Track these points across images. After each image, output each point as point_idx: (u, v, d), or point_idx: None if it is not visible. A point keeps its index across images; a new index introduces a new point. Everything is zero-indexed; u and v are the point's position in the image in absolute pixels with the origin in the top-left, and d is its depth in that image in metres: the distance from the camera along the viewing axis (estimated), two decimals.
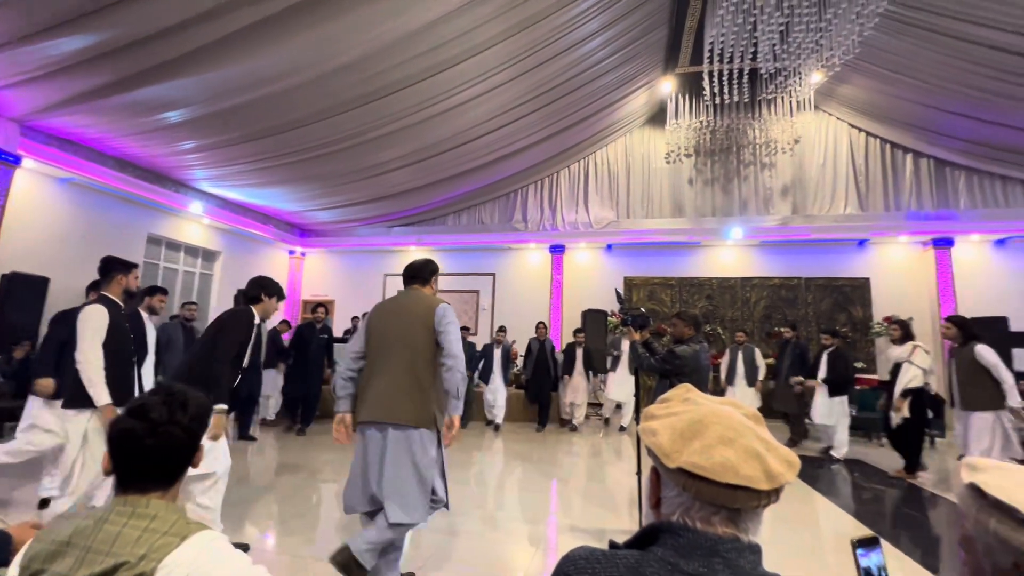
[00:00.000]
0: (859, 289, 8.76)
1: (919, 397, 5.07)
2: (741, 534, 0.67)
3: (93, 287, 3.91)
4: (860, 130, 8.99)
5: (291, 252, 10.89)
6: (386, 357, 2.31)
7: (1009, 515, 0.56)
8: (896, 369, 5.25)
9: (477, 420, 7.61)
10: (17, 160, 5.69)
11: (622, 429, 7.46)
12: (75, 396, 2.68)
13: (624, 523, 3.54)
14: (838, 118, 9.09)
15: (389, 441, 2.22)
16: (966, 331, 4.68)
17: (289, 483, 4.34)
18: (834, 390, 5.88)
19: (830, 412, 5.90)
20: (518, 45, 5.92)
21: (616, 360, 7.35)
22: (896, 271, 8.78)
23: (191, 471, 2.74)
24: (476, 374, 7.52)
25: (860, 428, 7.18)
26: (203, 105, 5.48)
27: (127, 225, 7.29)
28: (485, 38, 5.55)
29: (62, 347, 3.29)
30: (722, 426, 0.68)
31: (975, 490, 0.60)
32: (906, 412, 5.03)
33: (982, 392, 4.46)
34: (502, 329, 7.83)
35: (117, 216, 7.14)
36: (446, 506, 2.41)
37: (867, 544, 0.74)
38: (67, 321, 3.25)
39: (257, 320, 2.98)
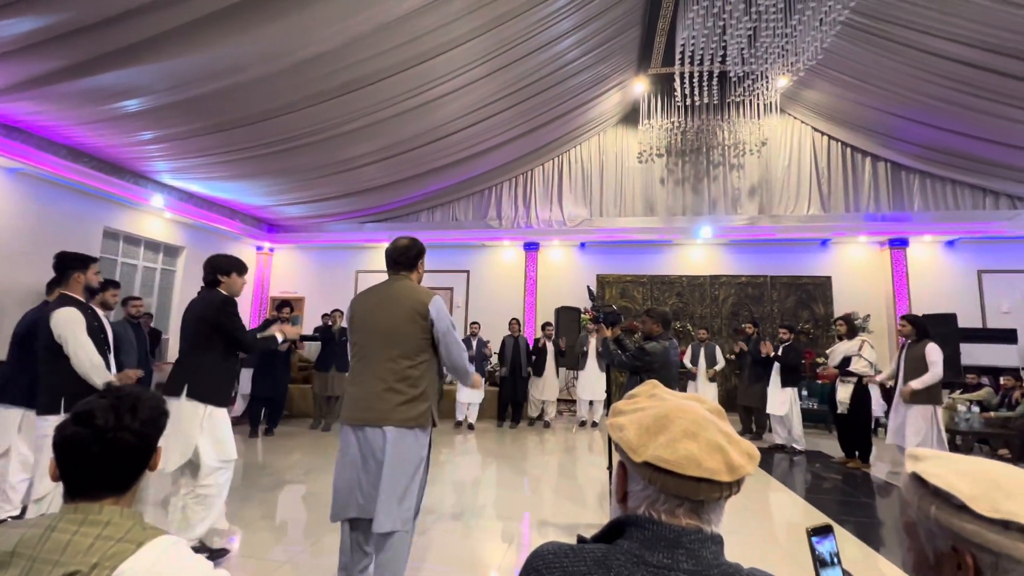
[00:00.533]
0: (821, 287, 9.11)
1: (865, 389, 5.32)
2: (704, 525, 0.69)
3: (54, 284, 3.57)
4: (823, 134, 9.32)
5: (259, 248, 10.59)
6: (372, 353, 2.19)
7: (947, 501, 0.59)
8: (845, 363, 5.47)
9: (447, 418, 7.56)
10: None
11: (594, 425, 7.57)
12: (50, 403, 2.62)
13: (596, 517, 3.59)
14: (802, 121, 9.40)
15: (377, 443, 2.10)
16: (920, 329, 4.94)
17: (256, 484, 4.23)
18: (786, 380, 6.19)
19: (780, 402, 6.18)
20: (492, 42, 5.89)
21: (583, 357, 7.45)
22: (856, 270, 9.16)
23: (213, 462, 2.61)
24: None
25: (821, 420, 7.48)
26: (164, 94, 5.25)
27: (81, 218, 6.95)
28: (459, 34, 5.51)
29: (30, 353, 3.08)
30: (686, 420, 0.70)
31: (917, 479, 0.64)
32: (844, 409, 5.24)
33: (924, 388, 4.70)
34: (476, 323, 7.82)
35: (70, 209, 6.79)
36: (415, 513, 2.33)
37: (821, 532, 0.77)
38: (36, 326, 3.10)
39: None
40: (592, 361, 7.44)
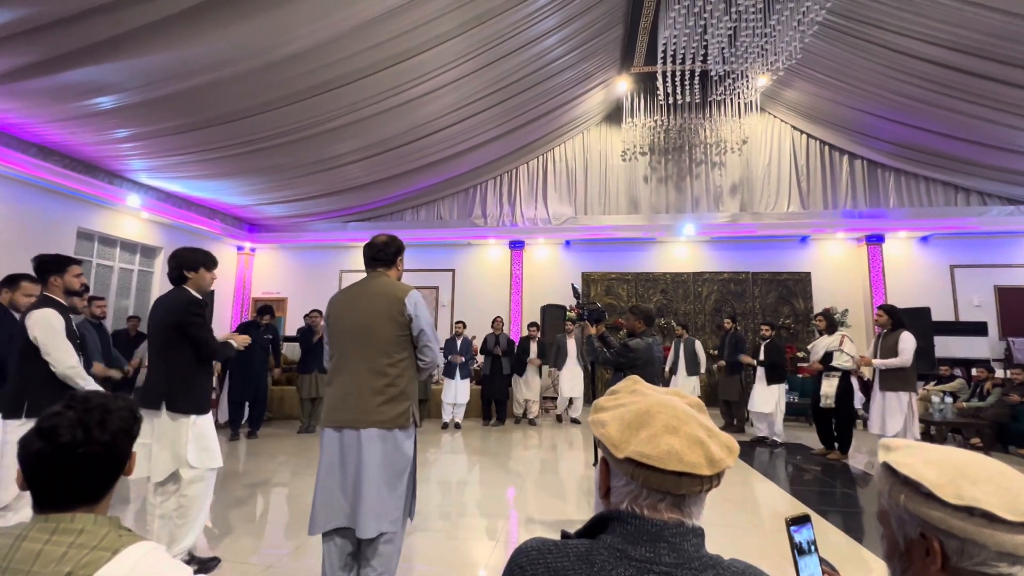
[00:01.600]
0: (801, 283, 9.29)
1: (848, 383, 5.46)
2: (686, 519, 0.70)
3: (6, 283, 3.33)
4: (801, 132, 9.49)
5: (240, 248, 10.41)
6: (350, 353, 2.11)
7: (916, 489, 0.61)
8: (827, 358, 5.62)
9: (433, 418, 7.53)
10: None
11: (576, 422, 7.61)
12: (12, 407, 2.53)
13: (581, 514, 3.61)
14: (782, 120, 9.56)
15: (359, 445, 2.02)
16: (895, 319, 5.09)
17: (239, 488, 4.16)
18: (771, 378, 6.30)
19: (768, 400, 6.29)
20: (475, 39, 5.87)
21: (562, 355, 7.51)
22: (834, 266, 9.36)
23: (198, 470, 2.53)
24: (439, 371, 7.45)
25: (801, 414, 7.63)
26: (139, 91, 5.13)
27: (54, 219, 6.75)
28: (441, 31, 5.48)
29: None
30: (667, 415, 0.70)
31: (888, 468, 0.65)
32: (830, 402, 5.38)
33: (899, 375, 4.88)
34: (461, 322, 7.80)
35: (42, 209, 6.59)
36: (411, 516, 2.21)
37: (799, 521, 0.79)
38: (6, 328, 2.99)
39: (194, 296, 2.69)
40: (572, 358, 7.55)
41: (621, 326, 6.84)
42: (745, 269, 9.48)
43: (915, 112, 7.35)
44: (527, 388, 7.59)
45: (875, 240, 9.04)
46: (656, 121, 8.71)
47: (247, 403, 6.42)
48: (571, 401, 7.67)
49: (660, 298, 9.52)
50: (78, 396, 0.95)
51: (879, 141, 8.55)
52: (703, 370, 7.34)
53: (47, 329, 2.53)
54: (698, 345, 7.38)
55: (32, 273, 3.08)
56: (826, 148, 9.41)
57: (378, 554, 2.01)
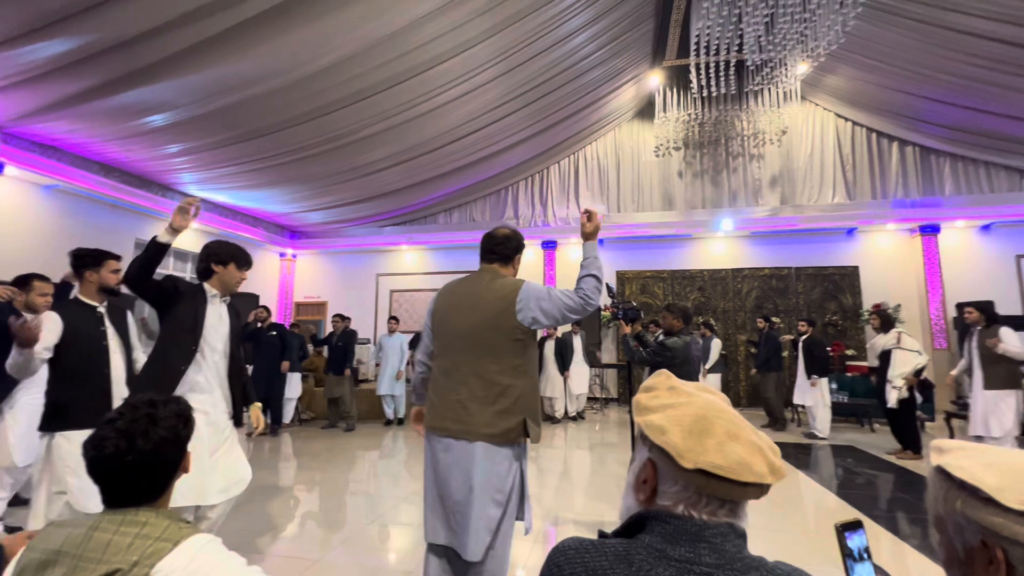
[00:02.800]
0: (848, 277, 8.86)
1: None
2: (738, 522, 0.69)
3: (19, 285, 3.21)
4: (846, 119, 9.07)
5: (282, 254, 10.82)
6: (457, 357, 1.92)
7: (973, 494, 0.58)
8: (884, 356, 5.40)
9: None
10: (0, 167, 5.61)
11: (581, 417, 7.80)
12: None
13: (616, 513, 3.56)
14: (824, 108, 9.16)
15: (462, 460, 1.84)
16: (988, 314, 4.86)
17: (272, 485, 4.33)
18: (811, 371, 6.29)
19: (806, 393, 6.33)
20: (504, 42, 5.90)
21: (569, 354, 7.66)
22: (884, 259, 8.89)
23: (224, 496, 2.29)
24: None
25: (852, 414, 7.29)
26: (187, 108, 5.42)
27: (114, 231, 7.21)
28: (470, 36, 5.53)
29: None
30: (724, 420, 0.70)
31: (942, 472, 0.62)
32: (904, 392, 5.20)
33: (1004, 372, 4.64)
34: None
35: (104, 222, 7.06)
36: (526, 529, 1.98)
37: (851, 527, 0.76)
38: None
39: (213, 293, 2.38)
40: (578, 355, 7.68)
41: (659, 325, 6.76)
42: (787, 264, 9.13)
43: (973, 93, 6.90)
44: (549, 386, 7.64)
45: (930, 230, 8.53)
46: (690, 115, 8.51)
47: (264, 401, 6.68)
48: (577, 397, 7.80)
49: (698, 296, 9.29)
50: (130, 403, 1.01)
51: (933, 126, 8.06)
52: (708, 365, 7.28)
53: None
54: (714, 344, 7.30)
55: (39, 273, 3.15)
56: (873, 135, 8.95)
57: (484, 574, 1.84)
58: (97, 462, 0.94)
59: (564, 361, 7.56)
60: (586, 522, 3.48)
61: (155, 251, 2.14)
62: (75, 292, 2.52)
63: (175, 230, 2.16)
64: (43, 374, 3.13)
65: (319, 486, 4.40)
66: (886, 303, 8.37)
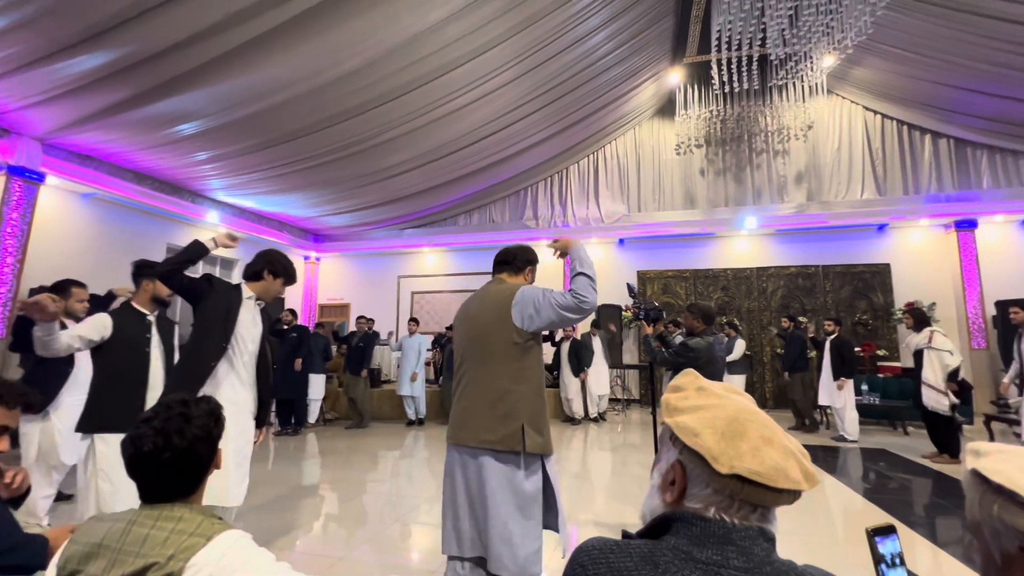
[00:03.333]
0: (879, 275, 8.59)
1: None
2: (768, 526, 0.68)
3: (58, 291, 3.36)
4: (875, 112, 8.80)
5: (306, 257, 11.04)
6: (468, 364, 1.95)
7: (1011, 499, 0.56)
8: (919, 356, 5.23)
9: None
10: (41, 177, 5.87)
11: (602, 418, 7.73)
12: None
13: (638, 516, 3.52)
14: (852, 101, 8.90)
15: (478, 468, 1.83)
16: None
17: (296, 483, 4.41)
18: (838, 371, 6.12)
19: (832, 394, 6.16)
20: (522, 43, 5.91)
21: (589, 355, 7.61)
22: (917, 255, 8.59)
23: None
24: None
25: (884, 416, 7.07)
26: (215, 117, 5.59)
27: (147, 236, 7.47)
28: (488, 38, 5.56)
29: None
30: (757, 424, 0.69)
31: (978, 476, 0.60)
32: (953, 398, 5.04)
33: None
34: None
35: (137, 228, 7.32)
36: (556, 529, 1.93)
37: (883, 532, 0.74)
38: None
39: (248, 296, 2.45)
40: (599, 356, 7.63)
41: (680, 325, 6.67)
42: (814, 262, 8.90)
43: (1010, 81, 6.62)
44: (565, 387, 7.61)
45: (966, 226, 8.21)
46: (712, 111, 8.39)
47: (287, 401, 6.79)
48: (599, 398, 7.75)
49: (721, 295, 9.14)
50: (163, 403, 1.05)
51: (969, 117, 7.76)
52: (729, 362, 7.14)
53: (85, 324, 2.40)
54: (738, 344, 7.13)
55: (78, 280, 3.35)
56: (904, 128, 8.66)
57: None
58: (136, 460, 0.98)
59: (580, 362, 7.52)
60: (608, 523, 3.46)
61: (195, 252, 2.27)
62: (132, 299, 2.65)
63: (216, 244, 2.36)
64: (86, 377, 3.26)
65: (342, 485, 4.47)
66: (919, 301, 8.08)
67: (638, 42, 7.29)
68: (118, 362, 2.46)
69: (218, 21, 4.28)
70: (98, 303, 3.48)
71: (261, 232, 9.18)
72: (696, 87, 8.34)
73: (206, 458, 1.04)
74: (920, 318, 5.43)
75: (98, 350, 2.46)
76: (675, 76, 8.45)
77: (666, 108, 9.52)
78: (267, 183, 7.60)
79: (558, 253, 2.15)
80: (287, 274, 2.56)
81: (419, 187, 8.68)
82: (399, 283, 10.76)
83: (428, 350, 7.56)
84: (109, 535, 0.93)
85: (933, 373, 5.13)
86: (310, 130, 6.21)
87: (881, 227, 8.70)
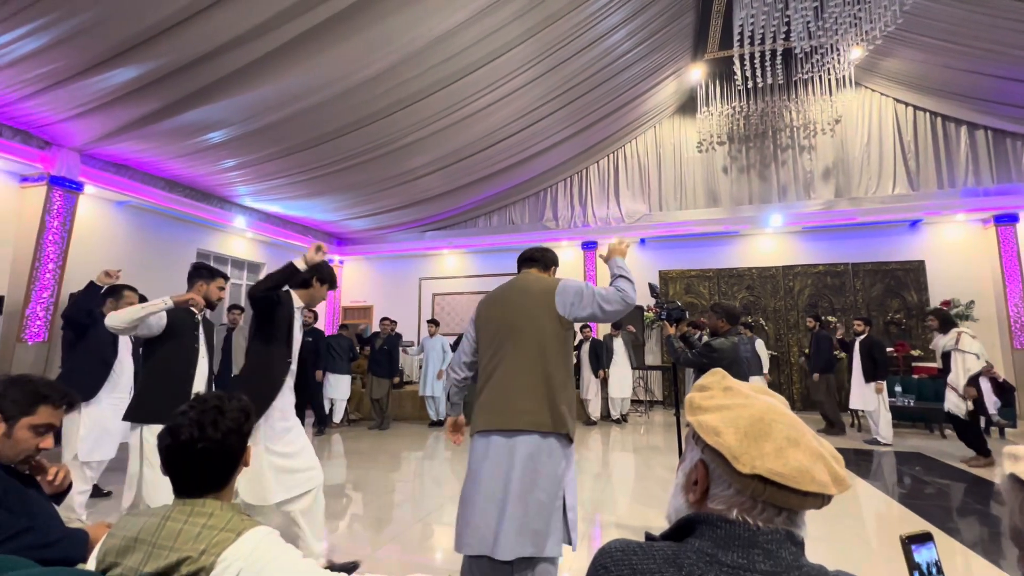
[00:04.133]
0: (913, 272, 8.29)
1: (976, 384, 4.94)
2: (796, 530, 0.67)
3: (110, 295, 3.61)
4: (907, 104, 8.50)
5: (330, 260, 11.24)
6: (499, 353, 1.94)
7: None
8: (946, 358, 5.11)
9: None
10: (80, 187, 6.12)
11: (624, 419, 7.63)
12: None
13: (662, 518, 3.47)
14: (882, 93, 8.63)
15: (510, 451, 1.81)
16: None
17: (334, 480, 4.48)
18: (869, 375, 5.93)
19: (865, 398, 5.97)
20: (541, 44, 5.91)
21: (609, 358, 7.54)
22: (954, 252, 8.26)
23: (287, 495, 2.43)
24: None
25: (920, 419, 6.82)
26: (241, 125, 5.74)
27: (178, 242, 7.72)
28: (507, 39, 5.58)
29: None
30: (784, 424, 0.67)
31: (1016, 481, 0.57)
32: (970, 404, 4.87)
33: None
34: None
35: (169, 234, 7.57)
36: (570, 542, 1.85)
37: (919, 540, 0.71)
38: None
39: (299, 304, 2.61)
40: (620, 358, 7.55)
41: (703, 325, 6.57)
42: (843, 260, 8.64)
43: None
44: (583, 388, 7.55)
45: (1006, 220, 7.85)
46: (734, 108, 8.24)
47: (305, 405, 6.90)
48: (621, 401, 7.68)
49: (746, 295, 8.95)
50: (199, 397, 1.10)
51: (1007, 106, 7.43)
52: (766, 370, 6.92)
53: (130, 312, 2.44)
54: (760, 346, 6.97)
55: (128, 284, 3.57)
56: (938, 120, 8.35)
57: None
58: (172, 450, 1.02)
59: (599, 360, 7.48)
60: (631, 526, 3.42)
61: (288, 273, 2.43)
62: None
63: (307, 262, 2.49)
64: (127, 381, 3.34)
65: (366, 484, 4.53)
66: (956, 299, 7.78)
67: (658, 39, 7.21)
68: (168, 355, 2.62)
69: (243, 33, 4.41)
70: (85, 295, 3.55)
71: (286, 236, 9.39)
72: (718, 83, 8.21)
73: (237, 451, 1.07)
74: (944, 319, 5.24)
75: (150, 343, 2.63)
76: (696, 73, 8.33)
77: (687, 105, 9.39)
78: (291, 188, 7.77)
79: (607, 254, 2.19)
80: (332, 280, 2.70)
81: (440, 189, 8.75)
82: (420, 285, 10.87)
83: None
84: (144, 529, 0.96)
85: (955, 376, 5.00)
86: (332, 135, 6.33)
87: (914, 223, 8.40)
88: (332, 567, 2.50)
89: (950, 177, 8.22)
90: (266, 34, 4.49)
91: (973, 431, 4.97)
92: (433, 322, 7.80)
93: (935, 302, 8.00)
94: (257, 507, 2.40)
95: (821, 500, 0.64)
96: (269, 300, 2.43)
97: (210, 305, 2.81)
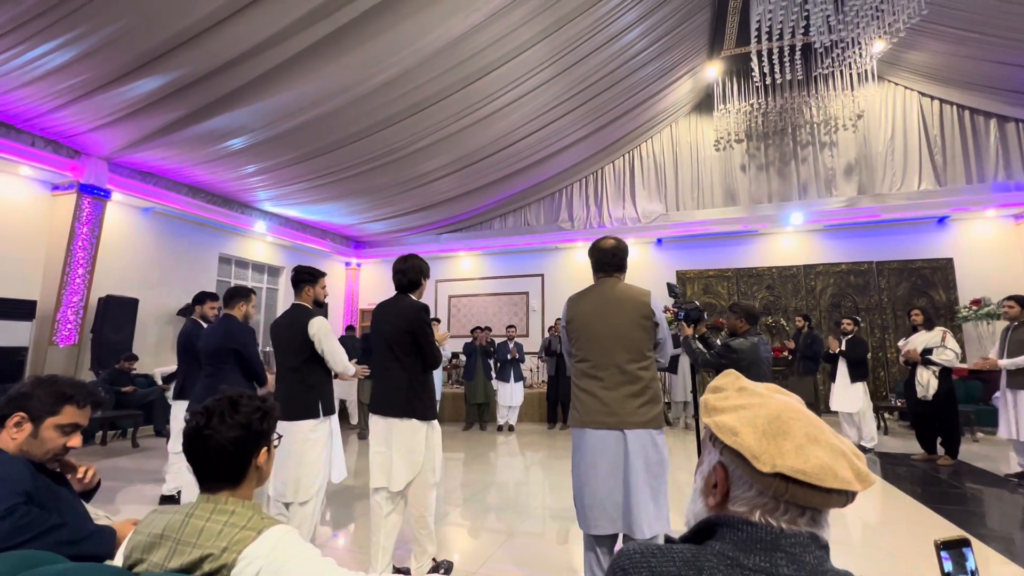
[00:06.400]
0: (941, 271, 8.05)
1: (949, 380, 4.99)
2: (819, 531, 0.65)
3: (197, 301, 4.04)
4: (932, 98, 8.27)
5: (347, 264, 11.38)
6: (601, 358, 2.14)
7: None
8: (926, 352, 5.08)
9: (491, 420, 7.60)
10: (107, 194, 6.31)
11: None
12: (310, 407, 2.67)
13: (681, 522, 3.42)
14: (906, 87, 8.41)
15: (624, 447, 2.05)
16: None
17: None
18: (855, 375, 5.71)
19: (851, 399, 5.70)
20: (555, 44, 5.91)
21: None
22: (984, 249, 8.00)
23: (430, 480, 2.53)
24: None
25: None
26: (261, 131, 5.86)
27: (201, 247, 7.90)
28: (522, 41, 5.58)
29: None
30: (803, 422, 0.66)
31: None
32: (934, 381, 4.90)
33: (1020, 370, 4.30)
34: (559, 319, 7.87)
35: (192, 239, 7.75)
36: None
37: (954, 545, 0.69)
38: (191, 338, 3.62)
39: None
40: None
41: (721, 326, 6.46)
42: (867, 259, 8.43)
43: None
44: None
45: None
46: (752, 105, 8.11)
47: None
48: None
49: (766, 295, 8.79)
50: (223, 391, 1.12)
51: None
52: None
53: (330, 334, 2.74)
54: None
55: (213, 292, 3.83)
56: (966, 113, 8.10)
57: None
58: (185, 437, 1.06)
59: None
60: None
61: None
62: (296, 301, 2.91)
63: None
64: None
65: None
66: (987, 298, 7.52)
67: (673, 37, 7.15)
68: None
69: (261, 41, 4.50)
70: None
71: (305, 240, 9.54)
72: (735, 80, 8.09)
73: (245, 447, 1.06)
74: (930, 318, 5.32)
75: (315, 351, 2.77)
76: (713, 70, 8.23)
77: (704, 103, 9.28)
78: (310, 193, 7.90)
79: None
80: (426, 274, 2.87)
81: (455, 192, 8.80)
82: (436, 287, 10.92)
83: (451, 357, 7.64)
84: (169, 526, 0.99)
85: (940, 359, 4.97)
86: (350, 140, 6.42)
87: (941, 219, 8.16)
88: (436, 568, 2.57)
89: (979, 172, 7.96)
90: (284, 42, 4.58)
91: (954, 428, 4.98)
92: (436, 320, 7.83)
93: (964, 301, 7.76)
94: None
95: (845, 498, 0.63)
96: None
97: (320, 304, 2.94)
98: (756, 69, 6.90)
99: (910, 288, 8.14)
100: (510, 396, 7.29)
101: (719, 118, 8.17)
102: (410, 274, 2.73)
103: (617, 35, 6.34)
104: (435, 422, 2.63)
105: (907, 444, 5.98)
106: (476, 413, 7.52)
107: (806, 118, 8.34)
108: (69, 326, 5.92)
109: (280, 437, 1.18)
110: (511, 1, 4.95)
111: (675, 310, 3.28)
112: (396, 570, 2.60)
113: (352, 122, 6.04)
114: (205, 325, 3.76)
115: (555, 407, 7.58)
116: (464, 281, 10.77)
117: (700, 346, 3.17)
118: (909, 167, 8.27)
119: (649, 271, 9.42)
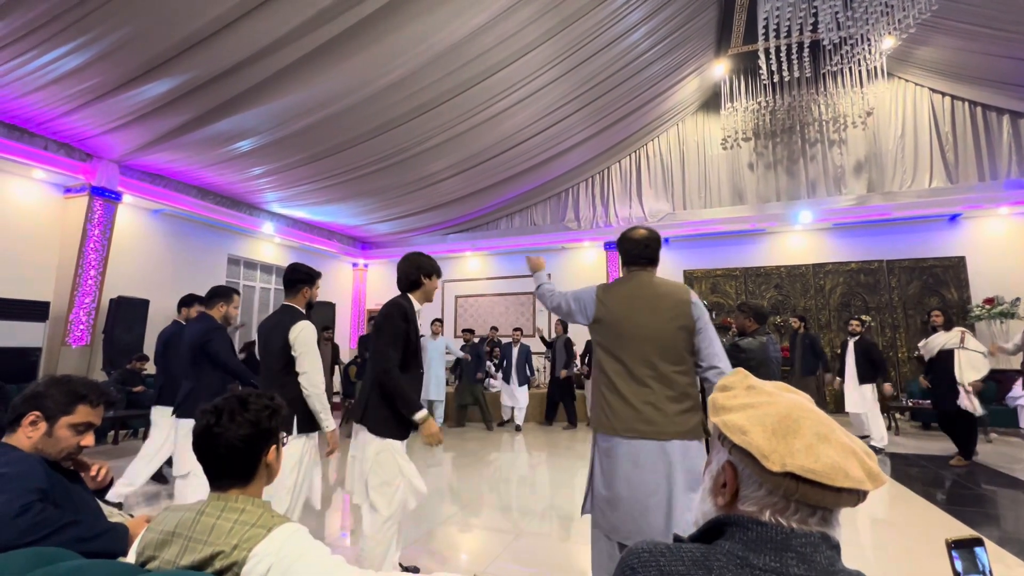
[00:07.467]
0: (952, 269, 7.95)
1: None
2: (831, 531, 0.65)
3: (185, 303, 4.11)
4: (943, 94, 8.17)
5: (354, 264, 11.43)
6: (635, 360, 1.96)
7: None
8: (941, 356, 5.07)
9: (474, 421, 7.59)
10: (118, 196, 6.39)
11: None
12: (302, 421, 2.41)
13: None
14: (916, 84, 8.31)
15: (662, 458, 1.89)
16: None
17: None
18: (864, 376, 5.73)
19: (861, 400, 5.74)
20: (561, 44, 5.90)
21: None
22: (997, 247, 7.89)
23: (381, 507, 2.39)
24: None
25: (934, 419, 6.56)
26: (268, 133, 5.90)
27: (210, 248, 7.97)
28: (527, 41, 5.58)
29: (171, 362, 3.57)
30: (812, 420, 0.65)
31: None
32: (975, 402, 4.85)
33: None
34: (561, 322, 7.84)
35: (201, 240, 7.82)
36: None
37: (966, 545, 0.68)
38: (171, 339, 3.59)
39: (418, 308, 2.50)
40: None
41: (729, 325, 6.42)
42: (877, 257, 8.35)
43: None
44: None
45: None
46: (760, 103, 8.06)
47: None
48: None
49: (775, 294, 8.73)
50: (235, 391, 1.13)
51: None
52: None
53: (310, 343, 2.46)
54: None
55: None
56: (978, 109, 8.00)
57: None
58: (195, 434, 1.07)
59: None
60: None
61: None
62: (286, 303, 2.72)
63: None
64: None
65: None
66: (1000, 297, 7.42)
67: (680, 36, 7.11)
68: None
69: (269, 43, 4.53)
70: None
71: (312, 240, 9.59)
72: (742, 78, 8.04)
73: (253, 442, 1.07)
74: (949, 317, 5.30)
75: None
76: (720, 68, 8.19)
77: (711, 102, 9.23)
78: (317, 194, 7.94)
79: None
80: (438, 269, 2.62)
81: (461, 192, 8.81)
82: (443, 288, 10.94)
83: (449, 354, 7.60)
84: (181, 524, 1.00)
85: (960, 373, 4.90)
86: (356, 141, 6.45)
87: (953, 217, 8.06)
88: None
89: (992, 169, 7.86)
90: (291, 44, 4.61)
91: (970, 432, 4.94)
92: (438, 321, 7.83)
93: (977, 299, 7.66)
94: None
95: (856, 497, 0.62)
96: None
97: (310, 307, 2.79)
98: (764, 67, 6.86)
99: (921, 287, 8.05)
100: (513, 397, 7.30)
101: (726, 116, 8.13)
102: (409, 275, 2.50)
103: (623, 34, 6.32)
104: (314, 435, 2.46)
105: (919, 444, 5.94)
106: (465, 414, 7.57)
107: (815, 116, 8.27)
108: (81, 327, 6.00)
109: (287, 435, 1.19)
110: (516, 1, 4.95)
111: None
112: (403, 568, 2.59)
113: (359, 123, 6.07)
114: None
115: (555, 407, 7.57)
116: (471, 281, 10.78)
117: None
118: (920, 164, 8.18)
119: (657, 270, 9.37)
